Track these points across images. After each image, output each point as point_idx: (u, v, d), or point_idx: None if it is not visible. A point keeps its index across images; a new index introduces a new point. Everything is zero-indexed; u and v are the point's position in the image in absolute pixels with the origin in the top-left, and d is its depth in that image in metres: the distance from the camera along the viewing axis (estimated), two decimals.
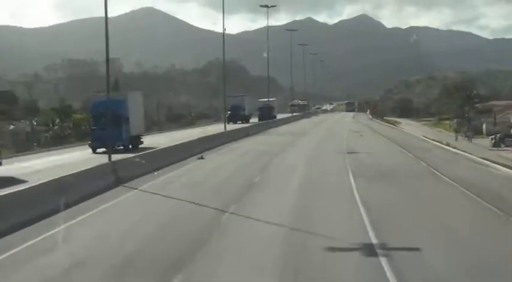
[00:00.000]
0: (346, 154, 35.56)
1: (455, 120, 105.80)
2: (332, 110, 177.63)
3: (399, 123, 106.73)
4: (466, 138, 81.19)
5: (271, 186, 23.17)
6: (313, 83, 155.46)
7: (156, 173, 26.70)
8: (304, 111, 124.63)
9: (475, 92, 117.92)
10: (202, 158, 33.33)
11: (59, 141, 58.96)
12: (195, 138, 39.12)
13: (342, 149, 39.12)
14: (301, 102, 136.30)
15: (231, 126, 59.76)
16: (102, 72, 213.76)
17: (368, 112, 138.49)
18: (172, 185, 23.89)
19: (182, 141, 36.85)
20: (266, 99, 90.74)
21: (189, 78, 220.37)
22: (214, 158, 34.36)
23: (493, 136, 74.34)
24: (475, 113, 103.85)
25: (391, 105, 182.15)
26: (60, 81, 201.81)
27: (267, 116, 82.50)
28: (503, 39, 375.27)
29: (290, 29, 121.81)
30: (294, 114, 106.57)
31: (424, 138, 52.83)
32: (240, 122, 73.55)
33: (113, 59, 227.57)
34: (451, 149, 40.89)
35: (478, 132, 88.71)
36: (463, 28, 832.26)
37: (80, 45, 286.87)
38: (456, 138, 77.80)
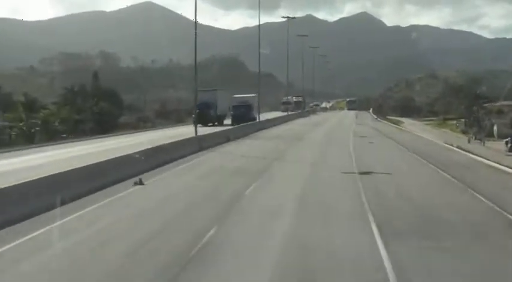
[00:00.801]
0: (358, 176, 23.56)
1: (462, 120, 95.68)
2: (331, 108, 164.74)
3: (402, 123, 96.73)
4: (478, 141, 70.23)
5: (226, 272, 11.01)
6: (312, 80, 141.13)
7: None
8: (299, 109, 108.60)
9: (482, 89, 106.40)
10: (140, 183, 21.07)
11: (26, 139, 51.21)
12: (145, 148, 26.67)
13: (350, 166, 27.04)
14: (295, 99, 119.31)
15: (210, 129, 47.67)
16: (97, 66, 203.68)
17: (371, 111, 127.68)
18: (35, 257, 11.78)
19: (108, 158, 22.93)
20: (243, 95, 70.45)
21: (187, 73, 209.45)
22: (160, 184, 21.99)
23: (507, 139, 63.95)
24: (484, 114, 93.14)
25: (392, 103, 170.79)
26: (56, 74, 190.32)
27: (244, 117, 61.59)
28: (505, 38, 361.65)
29: (288, 17, 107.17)
30: (289, 113, 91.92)
31: (449, 146, 41.20)
32: (211, 124, 56.98)
33: (109, 53, 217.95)
34: (494, 164, 29.27)
35: (487, 134, 78.97)
36: (463, 27, 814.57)
37: (76, 38, 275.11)
38: (469, 141, 67.88)
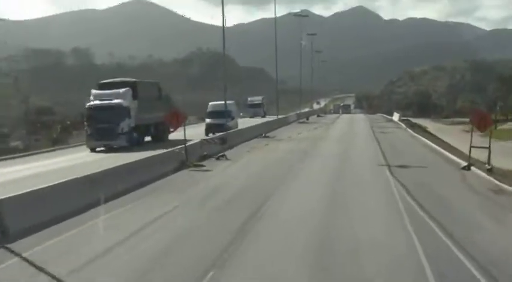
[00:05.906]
0: None
1: None
2: (320, 112, 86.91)
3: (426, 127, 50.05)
4: None
5: None
6: (306, 77, 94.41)
7: None
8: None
9: None
10: None
11: None
12: None
13: None
14: None
15: None
16: (69, 63, 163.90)
17: (397, 118, 57.33)
18: None
19: None
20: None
21: (169, 70, 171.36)
22: None
23: None
24: None
25: (403, 100, 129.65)
26: (22, 73, 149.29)
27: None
28: (505, 29, 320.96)
29: (301, 15, 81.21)
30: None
31: None
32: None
33: (82, 50, 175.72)
34: None
35: None
36: (460, 19, 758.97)
37: (59, 38, 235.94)
38: None
